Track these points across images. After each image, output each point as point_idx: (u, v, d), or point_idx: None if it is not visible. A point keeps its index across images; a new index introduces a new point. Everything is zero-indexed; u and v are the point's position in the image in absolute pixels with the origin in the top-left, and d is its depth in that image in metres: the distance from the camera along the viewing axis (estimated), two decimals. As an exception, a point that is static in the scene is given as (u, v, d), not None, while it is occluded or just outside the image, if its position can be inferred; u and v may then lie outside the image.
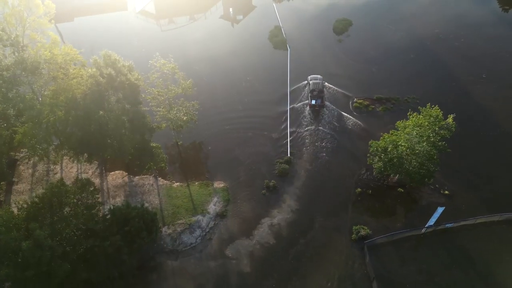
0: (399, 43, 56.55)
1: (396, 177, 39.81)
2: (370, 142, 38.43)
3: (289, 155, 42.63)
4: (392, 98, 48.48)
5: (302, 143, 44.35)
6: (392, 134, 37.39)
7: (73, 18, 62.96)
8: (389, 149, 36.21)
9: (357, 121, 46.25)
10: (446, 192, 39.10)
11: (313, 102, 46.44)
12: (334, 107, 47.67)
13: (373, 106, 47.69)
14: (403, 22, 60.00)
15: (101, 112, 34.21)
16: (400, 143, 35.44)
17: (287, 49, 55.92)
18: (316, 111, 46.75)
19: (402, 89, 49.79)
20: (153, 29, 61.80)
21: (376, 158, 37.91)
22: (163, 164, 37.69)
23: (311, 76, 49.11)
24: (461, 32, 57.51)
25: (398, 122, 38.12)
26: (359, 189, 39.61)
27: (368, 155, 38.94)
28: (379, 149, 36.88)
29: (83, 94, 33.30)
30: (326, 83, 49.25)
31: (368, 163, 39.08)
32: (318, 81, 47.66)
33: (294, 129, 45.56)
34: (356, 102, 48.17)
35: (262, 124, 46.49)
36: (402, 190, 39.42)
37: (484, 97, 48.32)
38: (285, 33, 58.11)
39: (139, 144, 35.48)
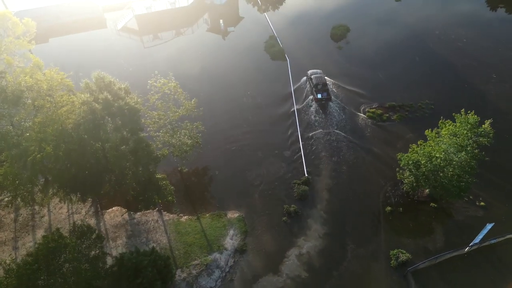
0: (401, 46, 54.10)
1: (426, 191, 36.48)
2: (398, 156, 35.00)
3: (306, 175, 38.64)
4: (405, 105, 45.51)
5: (317, 156, 40.49)
6: (422, 145, 34.04)
7: (47, 39, 57.48)
8: (422, 162, 32.79)
9: (372, 131, 42.95)
10: (482, 203, 36.00)
11: (319, 96, 44.86)
12: (345, 117, 44.28)
13: (387, 115, 44.53)
14: (400, 25, 57.82)
15: (97, 144, 29.29)
16: (435, 154, 32.07)
17: (286, 60, 52.43)
18: (323, 105, 45.10)
19: (414, 94, 47.00)
20: (138, 46, 57.13)
21: (407, 172, 34.43)
22: (170, 198, 32.87)
23: (311, 71, 47.70)
24: (462, 32, 55.71)
25: (427, 131, 34.89)
26: (388, 208, 35.93)
27: (398, 169, 35.48)
28: (410, 162, 33.41)
29: (75, 124, 28.30)
30: (330, 88, 46.10)
31: (398, 177, 35.54)
32: (319, 74, 46.57)
33: (305, 141, 41.90)
34: (368, 111, 44.90)
35: (271, 141, 42.43)
36: (435, 205, 36.04)
37: (499, 98, 46.10)
38: (281, 43, 54.67)
39: (143, 177, 30.63)
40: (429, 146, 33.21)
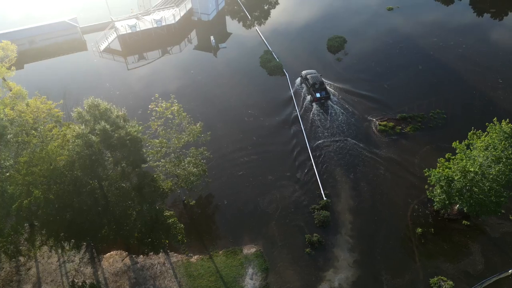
0: (402, 55, 52.24)
1: (456, 208, 33.71)
2: (426, 172, 32.10)
3: (324, 198, 35.25)
4: (416, 116, 43.11)
5: (331, 173, 37.27)
6: (454, 158, 31.30)
7: (22, 65, 52.61)
8: (456, 178, 29.98)
9: (386, 145, 40.21)
10: (516, 217, 33.55)
11: (318, 95, 44.04)
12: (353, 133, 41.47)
13: (400, 127, 41.95)
14: (397, 33, 56.15)
15: (95, 183, 25.04)
16: (471, 168, 29.32)
17: (285, 74, 49.53)
18: (322, 104, 44.49)
19: (423, 103, 44.78)
20: (124, 68, 53.09)
21: (438, 190, 31.54)
22: (180, 238, 28.66)
23: (305, 71, 46.84)
24: (459, 39, 54.47)
25: (454, 143, 32.19)
26: (419, 229, 32.86)
27: (427, 187, 32.55)
28: (443, 178, 30.55)
29: (68, 161, 24.01)
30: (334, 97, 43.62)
31: (428, 196, 32.58)
32: (315, 74, 45.99)
33: (316, 152, 38.77)
34: (380, 124, 42.24)
35: (280, 162, 39.01)
36: (468, 223, 33.24)
37: (511, 103, 44.45)
38: (277, 58, 51.84)
39: (150, 216, 26.44)
40: (462, 159, 30.46)
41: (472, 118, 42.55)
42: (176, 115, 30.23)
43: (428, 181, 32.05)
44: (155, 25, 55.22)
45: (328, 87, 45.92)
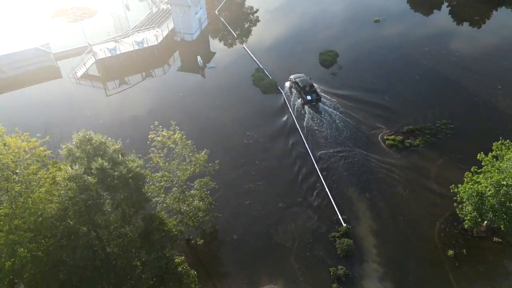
0: (397, 66, 50.81)
1: (485, 224, 31.37)
2: (453, 189, 29.70)
3: (343, 224, 32.17)
4: (424, 127, 41.15)
5: (343, 193, 34.35)
6: (487, 172, 29.01)
7: (-10, 97, 47.69)
8: (488, 193, 27.65)
9: (397, 160, 37.87)
10: (547, 229, 31.46)
11: (309, 97, 43.72)
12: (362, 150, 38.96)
13: (409, 140, 39.80)
14: (388, 45, 54.83)
15: (92, 232, 20.95)
16: (504, 182, 27.07)
17: (280, 92, 46.89)
18: (314, 106, 43.94)
19: (427, 114, 42.99)
20: (104, 95, 49.02)
21: (468, 207, 29.10)
22: (193, 286, 24.65)
23: (294, 75, 46.53)
24: (450, 47, 53.82)
25: (479, 155, 30.05)
26: (450, 251, 30.22)
27: (456, 204, 30.07)
28: (474, 194, 28.16)
29: (60, 209, 19.89)
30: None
31: (458, 214, 30.02)
32: (304, 77, 45.91)
33: (325, 172, 35.79)
34: (387, 139, 39.97)
35: (289, 186, 35.87)
36: (499, 240, 30.91)
37: (515, 109, 43.43)
38: (270, 75, 49.25)
39: (159, 266, 22.42)
40: (490, 172, 28.22)
41: (479, 126, 41.18)
42: (179, 144, 26.55)
43: (456, 198, 29.65)
44: (136, 47, 51.62)
45: (320, 91, 45.28)
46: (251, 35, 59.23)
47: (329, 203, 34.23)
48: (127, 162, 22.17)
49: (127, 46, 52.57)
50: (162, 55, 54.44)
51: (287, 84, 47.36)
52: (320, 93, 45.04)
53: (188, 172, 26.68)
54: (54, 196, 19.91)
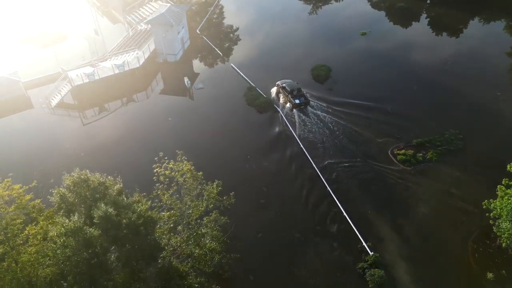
0: (393, 77, 49.29)
1: (518, 240, 29.11)
2: (486, 204, 27.36)
3: (370, 252, 29.03)
4: (433, 140, 39.17)
5: (361, 214, 31.34)
6: (509, 184, 26.87)
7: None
8: (528, 208, 25.43)
9: (413, 177, 35.49)
10: None
11: (297, 101, 43.29)
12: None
13: (421, 154, 37.62)
14: (379, 57, 53.46)
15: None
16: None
17: (276, 110, 44.03)
18: (302, 109, 43.47)
19: (432, 125, 41.19)
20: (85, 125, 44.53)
21: (507, 223, 26.71)
22: None
23: (280, 81, 46.16)
24: (441, 56, 53.07)
25: (509, 166, 27.97)
26: (490, 274, 27.62)
27: (492, 222, 27.66)
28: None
29: (56, 273, 15.65)
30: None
31: (495, 232, 27.54)
32: (291, 82, 45.67)
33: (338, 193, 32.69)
34: (398, 153, 37.65)
35: (303, 213, 32.67)
36: (538, 256, 28.68)
37: (519, 115, 42.40)
38: (263, 93, 46.45)
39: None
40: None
41: (488, 135, 39.70)
42: (188, 176, 22.79)
43: (492, 215, 27.25)
44: (116, 71, 47.58)
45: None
46: (236, 53, 56.48)
47: (349, 229, 31.13)
48: (135, 206, 18.21)
49: (106, 70, 48.44)
50: (145, 78, 50.61)
51: (273, 90, 46.65)
52: (308, 97, 44.48)
53: (202, 209, 22.87)
54: (47, 258, 15.65)
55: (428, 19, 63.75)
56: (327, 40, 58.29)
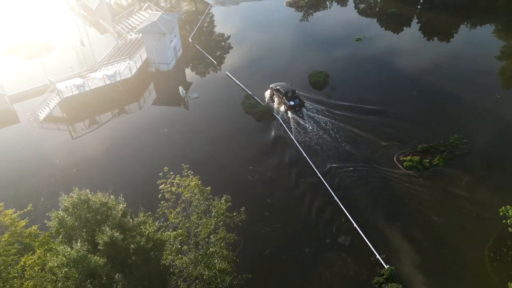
0: (391, 82, 48.55)
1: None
2: (503, 211, 26.44)
3: (385, 266, 27.63)
4: (438, 145, 38.30)
5: (369, 223, 29.98)
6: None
7: None
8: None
9: (420, 184, 34.41)
10: None
11: (292, 103, 42.82)
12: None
13: (427, 160, 36.63)
14: (375, 62, 52.79)
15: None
16: None
17: (276, 118, 42.69)
18: (297, 111, 43.06)
19: (435, 130, 40.42)
20: (75, 139, 42.36)
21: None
22: None
23: (274, 83, 45.68)
24: (438, 60, 52.69)
25: (525, 171, 27.10)
26: (511, 284, 26.46)
27: (511, 229, 26.62)
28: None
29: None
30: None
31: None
32: (285, 84, 45.13)
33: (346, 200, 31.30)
34: (404, 160, 36.59)
35: (311, 226, 31.16)
36: (558, 263, 27.72)
37: (520, 117, 41.94)
38: (261, 101, 45.14)
39: None
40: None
41: (492, 139, 39.02)
42: (196, 192, 21.09)
43: (508, 222, 26.26)
44: (108, 82, 45.68)
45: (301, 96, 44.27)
46: (230, 61, 55.12)
47: (361, 240, 29.73)
48: (142, 228, 16.45)
49: (96, 81, 46.50)
50: (137, 89, 48.78)
51: (267, 93, 46.19)
52: (302, 98, 44.03)
53: (211, 226, 21.15)
54: (46, 291, 13.78)
55: (419, 24, 63.72)
56: (322, 47, 57.42)
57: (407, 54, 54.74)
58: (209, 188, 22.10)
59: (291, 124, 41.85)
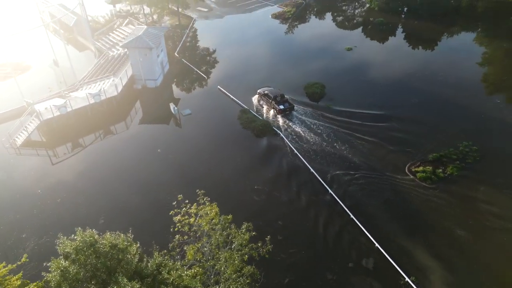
0: (389, 91, 47.24)
1: None
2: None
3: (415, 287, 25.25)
4: (449, 153, 36.70)
5: (400, 247, 27.63)
6: None
7: None
8: None
9: (437, 196, 32.49)
10: None
11: (282, 107, 42.27)
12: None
13: (440, 170, 34.85)
14: (370, 71, 51.75)
15: None
16: None
17: (277, 133, 40.25)
18: (287, 115, 42.36)
19: (442, 138, 38.88)
20: (58, 165, 38.48)
21: None
22: None
23: (261, 89, 45.21)
24: (433, 67, 52.00)
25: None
26: (552, 300, 24.54)
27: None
28: None
29: None
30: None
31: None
32: (273, 89, 44.76)
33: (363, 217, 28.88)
34: (417, 171, 34.70)
35: (330, 248, 28.42)
36: None
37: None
38: (256, 114, 42.78)
39: None
40: None
41: (501, 144, 37.82)
42: (216, 222, 18.10)
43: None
44: (92, 101, 42.21)
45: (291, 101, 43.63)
46: (219, 75, 52.63)
47: (385, 261, 27.25)
48: (163, 272, 13.36)
49: (79, 101, 42.95)
50: (124, 107, 45.48)
51: (255, 98, 45.60)
52: (292, 102, 43.42)
53: (237, 262, 18.09)
54: None
55: (404, 33, 63.44)
56: (313, 58, 55.94)
57: (399, 62, 54.05)
58: (230, 216, 19.16)
59: (293, 136, 39.49)
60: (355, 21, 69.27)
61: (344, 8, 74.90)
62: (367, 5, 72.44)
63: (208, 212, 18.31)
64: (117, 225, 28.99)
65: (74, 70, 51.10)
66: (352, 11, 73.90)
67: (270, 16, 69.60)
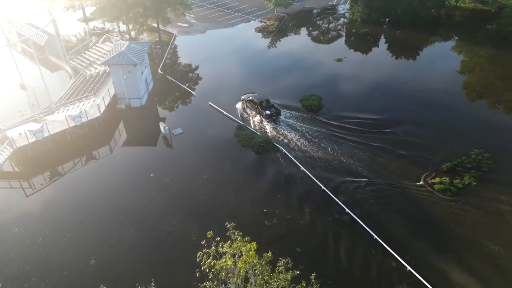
0: (387, 101, 45.62)
1: None
2: None
3: (462, 315, 22.58)
4: (462, 162, 34.99)
5: (432, 266, 25.08)
6: None
7: None
8: None
9: (460, 207, 30.43)
10: None
11: (268, 112, 41.32)
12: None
13: (457, 180, 32.92)
14: (365, 81, 50.16)
15: None
16: None
17: (278, 148, 37.43)
18: (274, 120, 41.56)
19: (452, 146, 37.22)
20: (37, 198, 33.88)
21: None
22: None
23: (245, 95, 44.38)
24: (426, 74, 51.22)
25: None
26: None
27: None
28: None
29: None
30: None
31: None
32: (257, 94, 44.08)
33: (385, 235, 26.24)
34: (434, 183, 32.62)
35: (359, 275, 25.51)
36: None
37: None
38: (257, 131, 39.92)
39: None
40: None
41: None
42: (255, 262, 14.79)
43: None
44: (72, 124, 38.03)
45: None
46: (206, 91, 49.40)
47: (421, 286, 24.55)
48: None
49: (56, 124, 38.64)
50: (106, 130, 41.46)
51: (239, 105, 44.41)
52: (278, 107, 42.52)
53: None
54: None
55: (387, 43, 62.94)
56: (303, 69, 54.05)
57: (394, 70, 53.02)
58: (270, 253, 15.90)
59: (296, 151, 36.78)
60: (337, 32, 68.37)
61: (323, 21, 74.16)
62: (350, 17, 72.02)
63: (246, 251, 14.98)
64: (110, 266, 25.14)
65: (49, 92, 46.73)
66: (334, 22, 73.22)
67: (254, 30, 67.71)
